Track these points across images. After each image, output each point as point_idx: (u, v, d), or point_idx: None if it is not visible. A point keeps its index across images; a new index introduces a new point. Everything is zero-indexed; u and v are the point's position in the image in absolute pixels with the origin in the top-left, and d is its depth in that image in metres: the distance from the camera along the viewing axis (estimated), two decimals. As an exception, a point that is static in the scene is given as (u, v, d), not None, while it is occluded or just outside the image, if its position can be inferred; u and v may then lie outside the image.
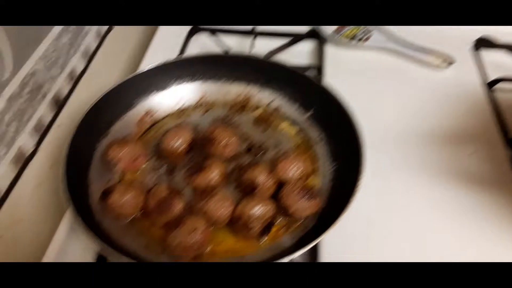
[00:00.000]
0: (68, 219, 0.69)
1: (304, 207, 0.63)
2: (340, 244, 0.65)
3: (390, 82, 0.91)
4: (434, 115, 0.85)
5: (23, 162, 0.66)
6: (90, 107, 0.71)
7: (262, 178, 0.65)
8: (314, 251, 0.64)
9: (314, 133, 0.77)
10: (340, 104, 0.71)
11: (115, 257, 0.56)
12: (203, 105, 0.84)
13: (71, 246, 0.67)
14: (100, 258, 0.64)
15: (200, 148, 0.74)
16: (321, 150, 0.75)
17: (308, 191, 0.64)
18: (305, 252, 0.58)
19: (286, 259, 0.56)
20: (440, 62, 0.94)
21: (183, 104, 0.83)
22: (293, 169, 0.68)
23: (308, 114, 0.79)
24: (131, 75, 0.78)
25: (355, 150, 0.66)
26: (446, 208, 0.70)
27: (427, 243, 0.66)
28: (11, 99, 0.61)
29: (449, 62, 0.94)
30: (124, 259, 0.55)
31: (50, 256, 0.65)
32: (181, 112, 0.83)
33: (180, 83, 0.83)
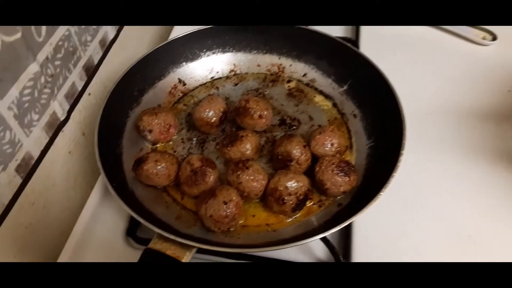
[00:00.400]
0: (100, 186, 0.69)
1: (339, 183, 0.61)
2: (373, 225, 0.63)
3: (429, 57, 0.87)
4: (475, 92, 0.81)
5: (55, 128, 0.66)
6: (124, 73, 0.70)
7: (297, 151, 0.63)
8: (347, 230, 0.63)
9: (349, 108, 0.74)
10: (383, 77, 0.68)
11: (146, 226, 0.55)
12: (234, 77, 0.82)
13: (102, 213, 0.67)
14: (132, 226, 0.64)
15: (232, 120, 0.73)
16: (357, 125, 0.72)
17: (344, 167, 0.62)
18: (337, 231, 0.56)
19: (318, 237, 0.54)
20: (483, 37, 0.90)
21: (214, 75, 0.82)
22: (328, 144, 0.65)
23: (344, 87, 0.76)
24: (163, 43, 0.76)
25: (395, 127, 0.63)
26: (487, 190, 0.67)
27: (466, 228, 0.63)
28: (45, 64, 0.60)
29: (492, 38, 0.90)
30: (156, 230, 0.54)
31: (81, 223, 0.65)
32: (212, 83, 0.81)
33: (211, 54, 0.82)
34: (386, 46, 0.88)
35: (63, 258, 0.62)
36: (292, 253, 0.61)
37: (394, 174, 0.57)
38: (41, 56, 0.60)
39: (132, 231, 0.64)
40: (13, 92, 0.55)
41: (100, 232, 0.65)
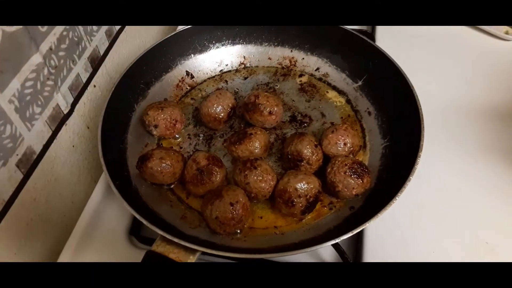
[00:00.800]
0: (104, 181, 0.67)
1: (352, 185, 0.58)
2: (386, 228, 0.60)
3: (448, 52, 0.84)
4: (495, 88, 0.77)
5: (59, 122, 0.64)
6: (130, 65, 0.68)
7: (308, 151, 0.60)
8: (358, 233, 0.59)
9: (364, 105, 0.71)
10: (400, 72, 0.65)
11: (149, 226, 0.53)
12: (244, 70, 0.79)
13: (106, 210, 0.65)
14: (135, 225, 0.62)
15: (241, 116, 0.70)
16: (371, 123, 0.69)
17: (357, 169, 0.59)
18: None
19: (329, 243, 0.51)
20: (506, 31, 0.86)
21: (224, 68, 0.79)
22: (341, 144, 0.62)
23: (358, 83, 0.73)
24: (171, 34, 0.73)
25: (412, 126, 0.60)
26: (505, 194, 0.64)
27: (482, 233, 0.60)
28: (48, 55, 0.58)
29: (516, 32, 0.86)
30: (159, 232, 0.52)
31: (84, 220, 0.64)
32: (221, 76, 0.78)
33: (220, 46, 0.79)
34: (403, 40, 0.85)
35: (65, 255, 0.61)
36: (299, 256, 0.59)
37: (410, 177, 0.54)
38: (44, 47, 0.57)
39: (136, 230, 0.62)
40: (15, 85, 0.53)
41: (103, 230, 0.63)
